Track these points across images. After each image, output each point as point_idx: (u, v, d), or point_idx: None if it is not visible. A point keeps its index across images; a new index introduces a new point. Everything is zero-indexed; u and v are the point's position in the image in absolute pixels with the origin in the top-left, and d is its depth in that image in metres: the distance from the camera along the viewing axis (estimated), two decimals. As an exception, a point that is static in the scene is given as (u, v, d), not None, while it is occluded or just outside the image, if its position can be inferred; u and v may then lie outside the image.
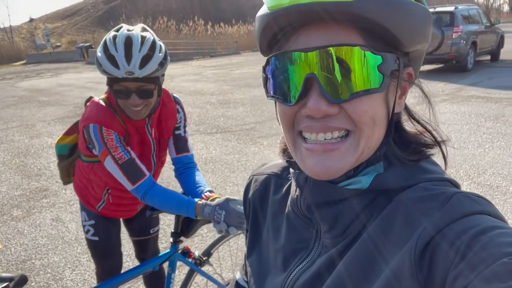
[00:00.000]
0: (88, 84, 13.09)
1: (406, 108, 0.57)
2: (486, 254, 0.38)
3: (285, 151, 0.62)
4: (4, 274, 1.18)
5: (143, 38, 1.42)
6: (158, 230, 2.02)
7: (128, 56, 1.36)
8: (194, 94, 9.76)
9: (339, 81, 0.46)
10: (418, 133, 0.56)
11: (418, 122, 0.57)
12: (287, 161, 0.61)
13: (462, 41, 9.52)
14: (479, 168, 4.01)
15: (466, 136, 5.01)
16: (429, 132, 0.56)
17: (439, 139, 0.55)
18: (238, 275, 0.75)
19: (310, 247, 0.57)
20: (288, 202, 0.62)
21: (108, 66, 1.37)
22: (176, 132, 1.75)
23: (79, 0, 58.15)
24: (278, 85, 0.51)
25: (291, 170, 0.60)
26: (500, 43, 11.78)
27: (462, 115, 6.01)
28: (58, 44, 37.92)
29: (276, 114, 0.55)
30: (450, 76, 9.51)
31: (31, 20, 55.80)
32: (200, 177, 1.71)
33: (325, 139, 0.48)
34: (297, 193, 0.58)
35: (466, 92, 7.67)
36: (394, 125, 0.52)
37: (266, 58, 0.53)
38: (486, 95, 7.28)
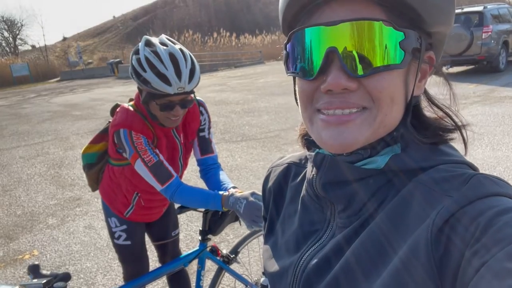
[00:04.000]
0: (119, 97, 13.53)
1: (426, 93, 0.57)
2: (506, 232, 0.38)
3: (303, 137, 0.63)
4: (48, 272, 1.26)
5: (182, 52, 1.49)
6: (178, 233, 2.07)
7: (178, 73, 1.43)
8: (220, 104, 9.90)
9: (360, 56, 0.46)
10: (439, 118, 0.55)
11: (437, 106, 0.56)
12: (305, 139, 0.61)
13: (492, 41, 9.21)
14: (514, 170, 3.84)
15: (500, 138, 4.82)
16: (449, 116, 0.55)
17: (459, 123, 0.55)
18: (262, 279, 0.76)
19: (322, 230, 0.57)
20: (304, 186, 0.63)
21: (160, 84, 1.42)
22: (201, 134, 1.80)
23: (109, 18, 60.53)
24: (298, 60, 0.51)
25: (307, 153, 0.60)
26: (534, 41, 11.31)
27: (495, 116, 5.79)
28: (90, 61, 39.53)
29: (294, 93, 0.56)
30: (481, 78, 9.19)
31: (64, 39, 58.54)
32: (224, 176, 1.75)
33: (342, 113, 0.48)
34: (313, 172, 0.58)
35: (499, 93, 7.39)
36: (412, 108, 0.52)
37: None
38: (521, 95, 6.99)
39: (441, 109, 0.56)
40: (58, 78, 30.83)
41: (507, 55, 9.93)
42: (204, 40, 28.49)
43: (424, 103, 0.57)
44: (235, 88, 12.93)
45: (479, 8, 9.70)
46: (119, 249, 1.87)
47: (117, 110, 1.64)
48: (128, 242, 1.83)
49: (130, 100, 1.70)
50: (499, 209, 0.40)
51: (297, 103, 0.56)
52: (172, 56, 1.45)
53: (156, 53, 1.45)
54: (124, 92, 14.84)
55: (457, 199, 0.44)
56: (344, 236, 0.52)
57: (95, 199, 4.37)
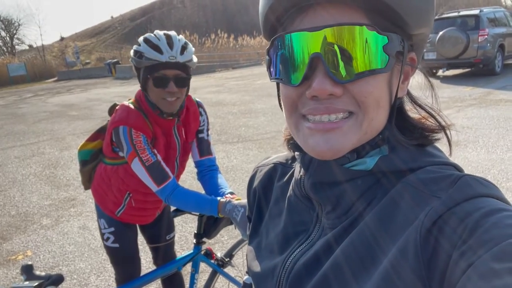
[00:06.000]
0: (116, 98, 13.51)
1: (409, 94, 0.57)
2: (493, 234, 0.38)
3: (289, 141, 0.62)
4: (42, 273, 1.25)
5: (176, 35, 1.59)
6: (174, 236, 2.06)
7: (170, 44, 1.51)
8: (216, 105, 9.90)
9: (345, 61, 0.46)
10: (423, 118, 0.56)
11: (420, 106, 0.56)
12: (291, 143, 0.61)
13: (488, 44, 9.26)
14: (508, 173, 3.86)
15: (495, 140, 4.84)
16: (433, 116, 0.55)
17: (442, 123, 0.55)
18: (245, 277, 0.76)
19: (310, 229, 0.57)
20: (291, 186, 0.62)
21: (152, 53, 1.48)
22: (200, 135, 1.80)
23: (107, 19, 60.51)
24: (282, 66, 0.50)
25: (296, 153, 0.60)
26: (530, 45, 11.38)
27: (490, 119, 5.82)
28: (88, 61, 39.45)
29: (279, 99, 0.55)
30: (477, 81, 9.24)
31: (62, 39, 58.39)
32: (222, 179, 1.75)
33: (329, 120, 0.48)
34: (301, 173, 0.58)
35: (494, 96, 7.42)
36: (396, 109, 0.52)
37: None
38: (516, 98, 7.02)
39: (424, 109, 0.56)
40: (55, 78, 30.75)
41: (503, 58, 9.99)
42: (201, 41, 28.49)
43: (408, 105, 0.57)
44: (232, 89, 12.93)
45: (476, 11, 9.76)
46: (108, 251, 1.86)
47: (117, 107, 1.64)
48: (116, 245, 1.81)
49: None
50: (486, 211, 0.41)
51: (281, 108, 0.55)
52: (167, 34, 1.55)
53: (153, 34, 1.56)
54: (121, 93, 14.82)
55: (445, 200, 0.44)
56: (334, 235, 0.52)
57: (90, 200, 4.35)
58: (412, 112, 0.56)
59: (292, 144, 0.60)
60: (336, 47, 0.45)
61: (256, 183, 0.71)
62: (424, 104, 0.56)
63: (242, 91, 12.27)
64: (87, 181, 1.88)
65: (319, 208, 0.57)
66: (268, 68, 0.54)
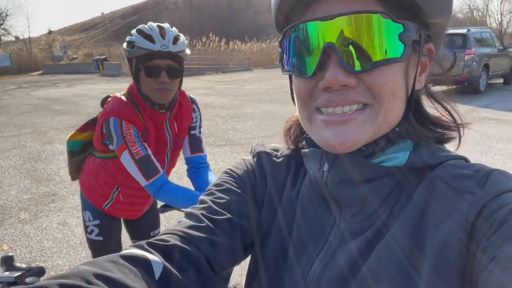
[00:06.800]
0: (102, 95, 13.22)
1: (426, 88, 0.55)
2: None
3: (289, 131, 0.60)
4: (23, 265, 1.19)
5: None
6: (158, 233, 2.01)
7: (162, 33, 1.50)
8: (205, 107, 9.85)
9: (359, 50, 0.44)
10: (441, 115, 0.55)
11: (438, 101, 0.55)
12: (304, 137, 0.58)
13: (474, 63, 9.50)
14: (490, 188, 3.94)
15: (478, 156, 4.94)
16: (449, 113, 0.54)
17: (459, 121, 0.54)
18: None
19: (326, 233, 0.53)
20: (304, 185, 0.58)
21: (144, 42, 1.47)
22: (192, 132, 1.78)
23: (97, 14, 59.91)
24: (294, 58, 0.49)
25: (302, 151, 0.57)
26: (513, 66, 11.73)
27: (474, 135, 5.94)
28: (75, 56, 38.85)
29: (291, 92, 0.53)
30: (462, 98, 9.45)
31: (50, 32, 57.48)
32: (212, 177, 1.73)
33: (342, 112, 0.46)
34: (324, 168, 0.53)
35: (478, 114, 7.60)
36: (414, 102, 0.50)
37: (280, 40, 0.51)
38: (499, 117, 7.21)
39: (442, 105, 0.55)
40: (40, 71, 30.17)
41: (488, 77, 10.26)
42: (192, 43, 28.40)
43: (424, 101, 0.55)
44: (221, 93, 12.90)
45: (463, 30, 10.01)
46: (91, 244, 1.82)
47: (109, 99, 1.61)
48: (100, 238, 1.78)
49: None
50: None
51: (294, 102, 0.54)
52: (159, 25, 1.55)
53: (146, 25, 1.55)
54: (108, 90, 14.61)
55: (481, 196, 0.43)
56: (358, 248, 0.49)
57: (71, 196, 4.25)
58: (428, 108, 0.55)
59: (305, 139, 0.57)
60: (349, 36, 0.44)
61: (271, 174, 0.62)
62: (443, 100, 0.55)
63: (231, 95, 12.26)
64: (75, 172, 1.83)
65: (337, 211, 0.53)
66: (280, 60, 0.53)
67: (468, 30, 9.95)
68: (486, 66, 10.02)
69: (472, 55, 9.46)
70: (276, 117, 7.96)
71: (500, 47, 11.02)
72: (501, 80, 11.74)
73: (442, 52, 9.60)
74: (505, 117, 7.15)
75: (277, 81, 15.39)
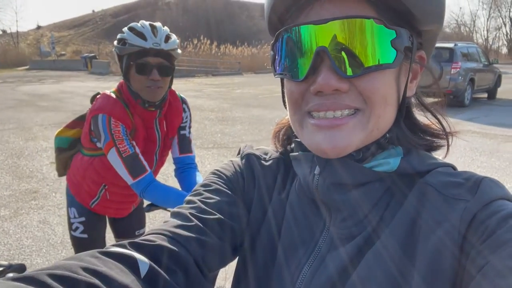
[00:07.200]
0: (89, 93, 13.11)
1: (417, 96, 0.55)
2: (508, 237, 0.39)
3: (279, 133, 0.60)
4: (3, 261, 1.16)
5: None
6: (143, 233, 1.99)
7: (154, 31, 1.49)
8: (194, 109, 9.76)
9: (351, 55, 0.44)
10: (430, 123, 0.55)
11: (428, 109, 0.55)
12: (294, 141, 0.57)
13: (460, 77, 9.70)
14: (472, 200, 4.01)
15: (460, 168, 4.98)
16: (439, 121, 0.55)
17: (448, 129, 0.54)
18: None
19: (315, 238, 0.53)
20: (293, 188, 0.58)
21: (136, 39, 1.47)
22: (181, 132, 1.77)
23: (88, 12, 59.30)
24: (287, 61, 0.49)
25: (291, 154, 0.57)
26: (498, 82, 12.00)
27: (457, 148, 6.06)
28: (63, 52, 38.33)
29: (283, 96, 0.53)
30: (447, 111, 9.41)
31: (39, 27, 56.61)
32: (200, 177, 1.72)
33: (334, 116, 0.47)
34: (315, 172, 0.53)
35: (462, 127, 7.74)
36: (405, 109, 0.51)
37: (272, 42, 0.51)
38: (482, 130, 7.36)
39: (432, 113, 0.55)
40: (27, 67, 29.63)
41: (472, 92, 10.48)
42: (183, 45, 28.29)
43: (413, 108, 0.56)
44: (210, 96, 12.87)
45: (450, 45, 10.22)
46: (74, 241, 1.78)
47: (98, 96, 1.59)
48: (85, 235, 1.75)
49: None
50: (506, 213, 0.41)
51: (285, 106, 0.53)
52: (151, 23, 1.54)
53: (138, 23, 1.55)
54: (96, 88, 14.41)
55: (473, 204, 0.43)
56: (348, 255, 0.49)
57: (53, 194, 4.17)
58: (418, 115, 0.56)
59: (296, 142, 0.57)
60: (342, 41, 0.44)
61: (246, 172, 0.62)
62: (433, 108, 0.56)
63: (220, 98, 12.23)
64: (63, 168, 1.81)
65: (327, 215, 0.53)
66: (272, 63, 0.52)
67: (455, 45, 10.16)
68: (472, 81, 10.23)
69: (458, 69, 9.65)
70: (264, 122, 7.98)
71: (486, 63, 11.28)
72: (486, 95, 12.01)
73: (429, 64, 9.78)
74: (488, 131, 7.31)
75: (266, 86, 15.43)
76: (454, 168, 0.52)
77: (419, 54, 0.52)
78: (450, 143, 0.55)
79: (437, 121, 0.55)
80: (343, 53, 0.44)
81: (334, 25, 0.44)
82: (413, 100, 0.56)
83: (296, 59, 0.47)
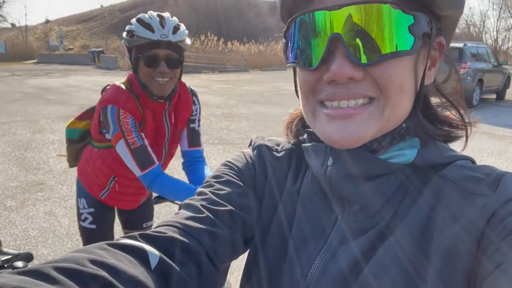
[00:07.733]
0: (96, 87, 13.20)
1: (435, 84, 0.53)
2: None
3: (291, 123, 0.58)
4: (11, 250, 1.18)
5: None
6: (151, 226, 2.00)
7: (162, 23, 1.47)
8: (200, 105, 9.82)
9: (366, 42, 0.42)
10: (449, 113, 0.53)
11: (447, 98, 0.53)
12: (306, 131, 0.56)
13: (469, 77, 9.61)
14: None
15: (468, 169, 4.99)
16: (458, 111, 0.52)
17: (467, 120, 0.52)
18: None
19: (327, 232, 0.52)
20: (306, 179, 0.56)
21: (143, 31, 1.45)
22: (191, 125, 1.76)
23: (96, 7, 59.54)
24: (299, 49, 0.47)
25: (303, 145, 0.55)
26: (507, 83, 11.90)
27: (465, 148, 6.00)
28: (71, 47, 38.54)
29: (295, 85, 0.52)
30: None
31: (47, 21, 56.94)
32: (208, 171, 1.71)
33: (348, 106, 0.45)
34: (328, 163, 0.51)
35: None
36: (423, 98, 0.48)
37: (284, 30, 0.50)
38: (490, 131, 7.29)
39: (451, 103, 0.53)
40: (35, 60, 29.85)
41: (481, 92, 10.38)
42: (191, 41, 28.32)
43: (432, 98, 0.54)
44: (217, 92, 12.87)
45: (460, 44, 10.12)
46: (83, 232, 1.79)
47: (108, 87, 1.59)
48: (93, 226, 1.75)
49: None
50: None
51: (297, 95, 0.52)
52: (159, 14, 1.52)
53: (146, 14, 1.53)
54: (102, 82, 14.48)
55: (492, 201, 0.42)
56: (360, 249, 0.47)
57: (59, 186, 4.19)
58: (435, 105, 0.54)
59: (308, 133, 0.56)
60: (357, 27, 0.42)
61: (272, 168, 0.60)
62: (451, 97, 0.53)
63: (227, 94, 12.23)
64: (74, 160, 1.82)
65: (339, 208, 0.52)
66: (284, 51, 0.51)
67: (464, 45, 10.07)
68: (480, 81, 10.14)
69: (467, 69, 9.57)
70: (270, 119, 7.97)
71: (495, 63, 11.17)
72: (494, 96, 11.90)
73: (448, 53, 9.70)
74: (496, 132, 7.24)
75: (273, 83, 15.40)
76: (473, 161, 0.50)
77: (438, 41, 0.49)
78: (469, 134, 0.53)
79: (455, 110, 0.53)
80: (358, 40, 0.43)
81: (348, 10, 0.42)
82: (431, 88, 0.54)
83: (309, 47, 0.46)
